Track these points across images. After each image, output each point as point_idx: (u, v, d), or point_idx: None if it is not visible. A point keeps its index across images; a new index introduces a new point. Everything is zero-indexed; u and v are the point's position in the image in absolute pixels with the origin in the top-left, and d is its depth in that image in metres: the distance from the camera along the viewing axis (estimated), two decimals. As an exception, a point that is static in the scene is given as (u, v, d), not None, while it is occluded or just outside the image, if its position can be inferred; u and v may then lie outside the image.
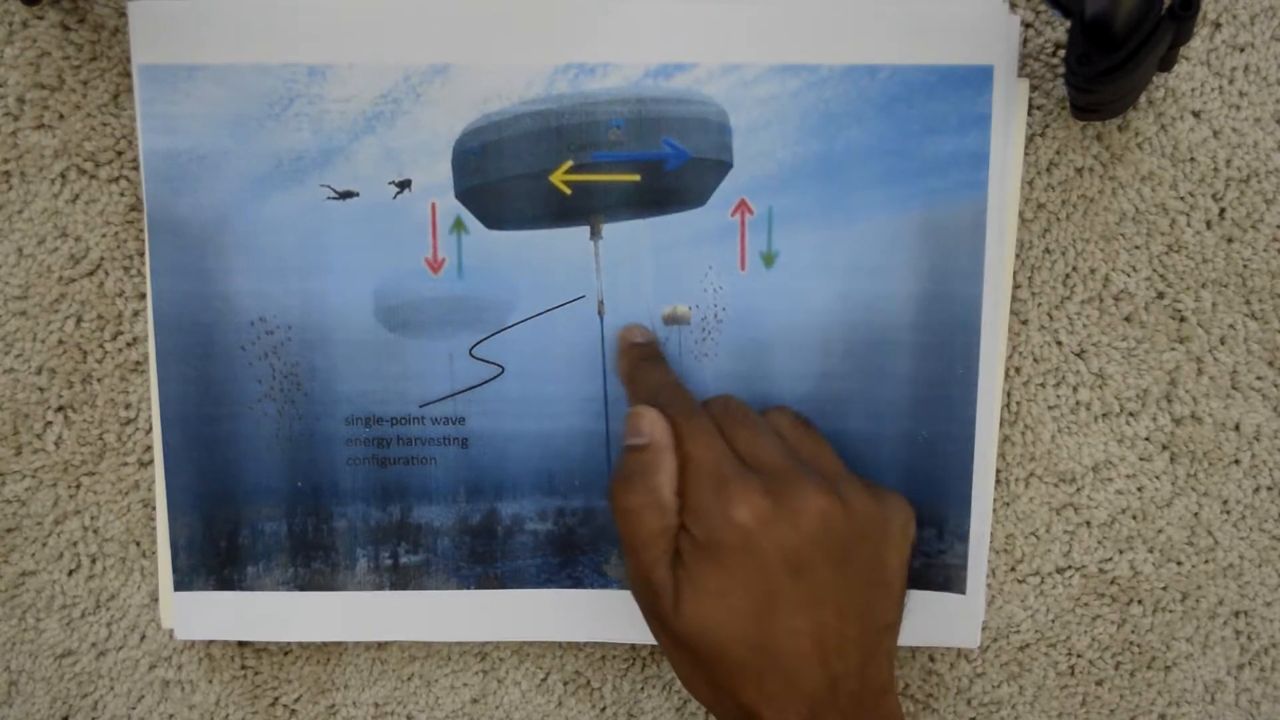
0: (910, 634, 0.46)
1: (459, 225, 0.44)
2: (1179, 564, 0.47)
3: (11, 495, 0.47)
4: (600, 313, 0.44)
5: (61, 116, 0.45)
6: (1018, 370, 0.46)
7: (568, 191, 0.44)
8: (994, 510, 0.46)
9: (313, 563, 0.45)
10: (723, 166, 0.44)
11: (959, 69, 0.43)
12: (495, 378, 0.45)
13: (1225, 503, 0.47)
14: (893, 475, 0.45)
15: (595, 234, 0.44)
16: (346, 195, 0.44)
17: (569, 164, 0.43)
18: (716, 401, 0.42)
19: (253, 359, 0.44)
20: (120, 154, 0.45)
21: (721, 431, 0.40)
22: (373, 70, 0.43)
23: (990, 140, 0.43)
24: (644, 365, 0.44)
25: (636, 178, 0.44)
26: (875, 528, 0.40)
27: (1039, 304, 0.46)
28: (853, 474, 0.41)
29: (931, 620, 0.46)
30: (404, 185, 0.44)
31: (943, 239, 0.44)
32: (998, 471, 0.46)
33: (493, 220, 0.44)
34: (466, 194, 0.44)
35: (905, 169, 0.43)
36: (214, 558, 0.45)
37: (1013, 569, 0.47)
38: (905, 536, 0.41)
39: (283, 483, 0.45)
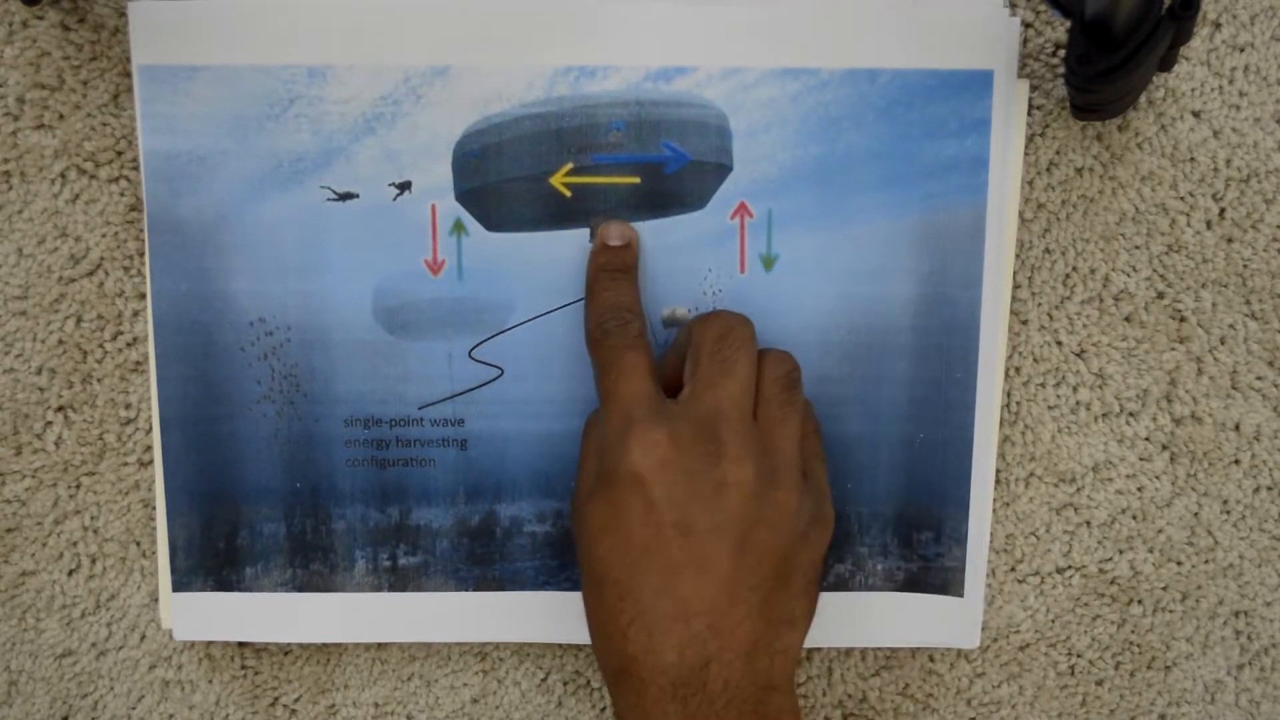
0: (910, 634, 0.46)
1: (459, 227, 0.44)
2: (1179, 564, 0.47)
3: (11, 495, 0.47)
4: None
5: (61, 116, 0.45)
6: (1018, 370, 0.46)
7: (567, 194, 0.44)
8: (994, 510, 0.47)
9: (311, 564, 0.45)
10: (722, 169, 0.44)
11: (959, 74, 0.43)
12: (494, 380, 0.45)
13: (1225, 503, 0.47)
14: (890, 478, 0.45)
15: (595, 236, 0.44)
16: (346, 196, 0.44)
17: (569, 166, 0.43)
18: (771, 358, 0.41)
19: (252, 359, 0.44)
20: (120, 154, 0.45)
21: (716, 373, 0.39)
22: (373, 72, 0.43)
23: (990, 144, 0.43)
24: (605, 278, 0.43)
25: (636, 180, 0.44)
26: (786, 520, 0.39)
27: (1039, 304, 0.46)
28: (814, 476, 0.41)
29: (931, 621, 0.46)
30: (404, 187, 0.44)
31: (942, 243, 0.44)
32: (998, 472, 0.46)
33: (493, 222, 0.44)
34: (466, 196, 0.44)
35: (905, 173, 0.43)
36: (213, 558, 0.45)
37: (1013, 569, 0.47)
38: (819, 540, 0.40)
39: (282, 484, 0.45)
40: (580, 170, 0.44)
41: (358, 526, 0.45)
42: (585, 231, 0.44)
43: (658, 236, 0.44)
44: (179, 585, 0.46)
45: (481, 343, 0.45)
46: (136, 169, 0.45)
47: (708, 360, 0.40)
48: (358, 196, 0.44)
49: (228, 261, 0.44)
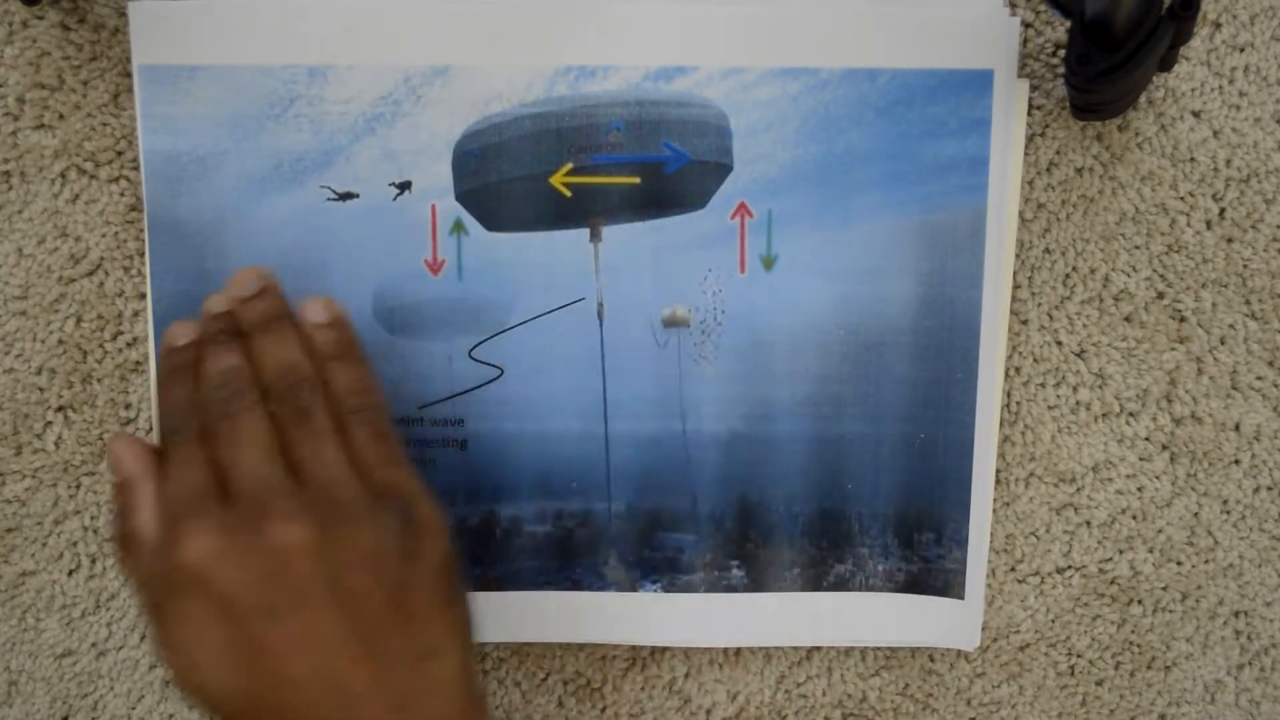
0: (910, 634, 0.46)
1: (459, 227, 0.44)
2: (1179, 564, 0.47)
3: (11, 495, 0.47)
4: (600, 315, 0.44)
5: (61, 116, 0.45)
6: (1018, 370, 0.46)
7: (568, 194, 0.44)
8: (994, 510, 0.46)
9: None
10: (722, 169, 0.44)
11: (959, 73, 0.43)
12: (494, 380, 0.45)
13: (1225, 503, 0.47)
14: (891, 479, 0.45)
15: (595, 236, 0.44)
16: (346, 196, 0.44)
17: (569, 166, 0.43)
18: (276, 390, 0.38)
19: None
20: (120, 154, 0.45)
21: (276, 429, 0.37)
22: (373, 72, 0.43)
23: (990, 144, 0.43)
24: (170, 378, 0.39)
25: (636, 180, 0.44)
26: (373, 555, 0.35)
27: (1039, 304, 0.46)
28: (391, 484, 0.37)
29: (931, 621, 0.46)
30: (404, 187, 0.44)
31: (942, 243, 0.44)
32: (998, 472, 0.46)
33: (493, 222, 0.44)
34: (466, 196, 0.44)
35: (905, 172, 0.43)
36: None
37: (1013, 569, 0.47)
38: (426, 548, 0.36)
39: None
40: (580, 170, 0.44)
41: None
42: (585, 231, 0.44)
43: (658, 236, 0.44)
44: None
45: (481, 342, 0.45)
46: (136, 169, 0.45)
47: (226, 440, 0.37)
48: (358, 196, 0.44)
49: (227, 261, 0.44)
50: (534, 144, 0.43)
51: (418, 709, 0.35)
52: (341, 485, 0.36)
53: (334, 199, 0.44)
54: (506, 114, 0.43)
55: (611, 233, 0.44)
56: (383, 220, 0.44)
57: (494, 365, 0.45)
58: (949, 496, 0.45)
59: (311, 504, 0.35)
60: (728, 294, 0.44)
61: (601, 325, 0.45)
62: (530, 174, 0.44)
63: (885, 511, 0.45)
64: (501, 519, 0.46)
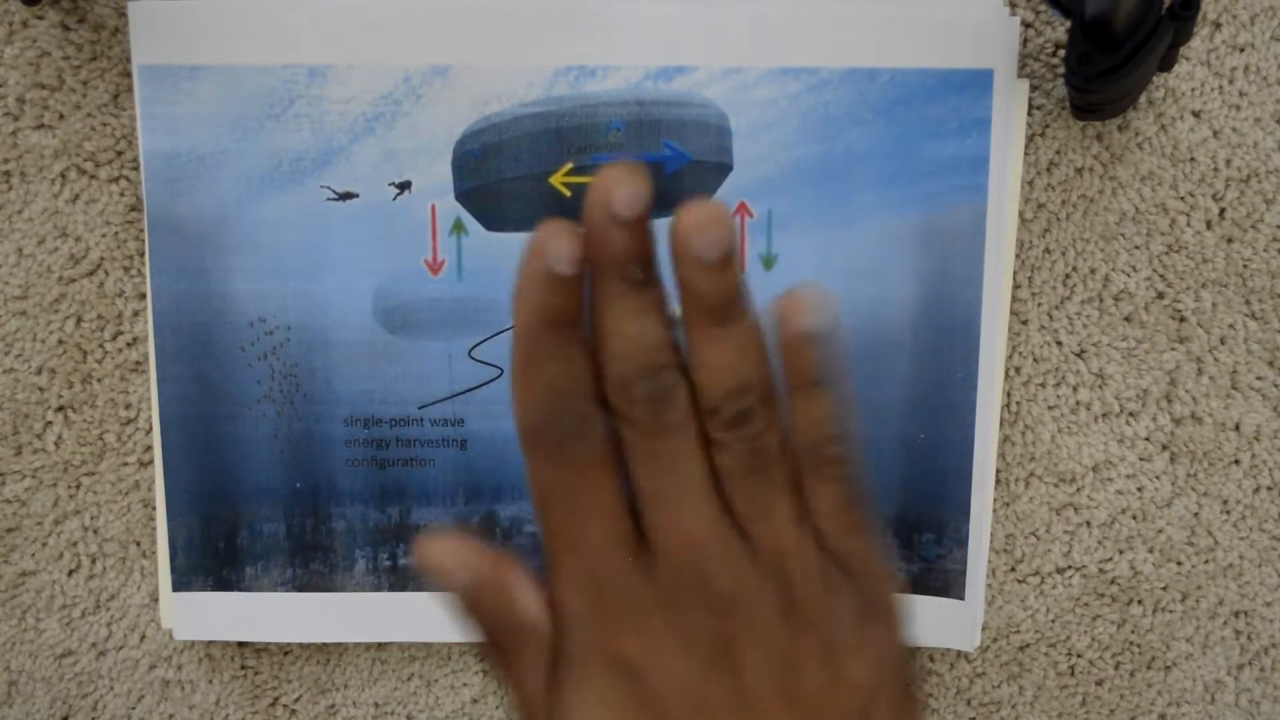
0: (910, 634, 0.46)
1: (459, 227, 0.44)
2: (1179, 564, 0.47)
3: (11, 495, 0.47)
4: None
5: (61, 116, 0.45)
6: (1018, 370, 0.46)
7: (568, 194, 0.44)
8: (994, 510, 0.46)
9: (311, 563, 0.45)
10: (722, 169, 0.44)
11: (959, 73, 0.43)
12: (494, 380, 0.45)
13: (1225, 503, 0.47)
14: (891, 479, 0.45)
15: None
16: (346, 196, 0.44)
17: (569, 166, 0.43)
18: (724, 414, 0.28)
19: (252, 360, 0.44)
20: (120, 154, 0.45)
21: (716, 480, 0.28)
22: (373, 71, 0.43)
23: (990, 143, 0.43)
24: (543, 338, 0.28)
25: None
26: (827, 649, 0.29)
27: (1039, 304, 0.46)
28: (850, 558, 0.29)
29: (931, 622, 0.46)
30: (404, 187, 0.44)
31: (942, 243, 0.44)
32: (998, 472, 0.46)
33: (493, 222, 0.44)
34: (466, 195, 0.44)
35: (905, 172, 0.43)
36: (212, 558, 0.45)
37: (1013, 569, 0.47)
38: (882, 637, 0.30)
39: (281, 484, 0.45)
40: (580, 170, 0.44)
41: (357, 526, 0.45)
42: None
43: (658, 236, 0.44)
44: (179, 585, 0.46)
45: (481, 342, 0.45)
46: (136, 169, 0.45)
47: (644, 467, 0.28)
48: (358, 196, 0.44)
49: (227, 261, 0.44)
50: (534, 144, 0.43)
51: None
52: (796, 556, 0.28)
53: (334, 199, 0.44)
54: (506, 114, 0.43)
55: None
56: (383, 220, 0.44)
57: (494, 365, 0.45)
58: (949, 497, 0.45)
59: (764, 579, 0.28)
60: None
61: None
62: (530, 174, 0.44)
63: (886, 512, 0.45)
64: (502, 519, 0.46)
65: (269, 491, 0.45)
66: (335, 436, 0.45)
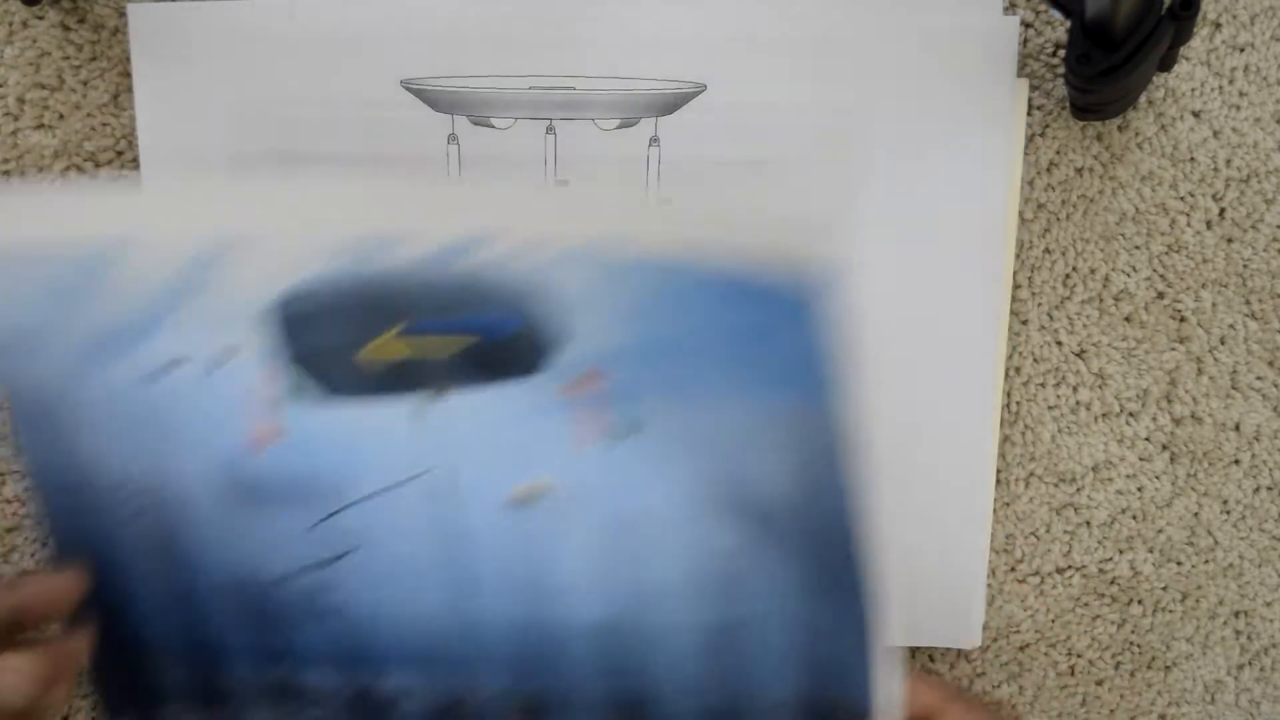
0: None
1: (290, 393, 0.40)
2: (1179, 564, 0.47)
3: (12, 495, 0.47)
4: (447, 488, 0.40)
5: (61, 116, 0.45)
6: (1018, 370, 0.46)
7: (397, 358, 0.39)
8: (994, 510, 0.47)
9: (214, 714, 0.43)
10: (558, 336, 0.38)
11: (771, 289, 0.36)
12: (350, 552, 0.41)
13: (1225, 503, 0.47)
14: (795, 661, 0.40)
15: (430, 402, 0.39)
16: (173, 365, 0.39)
17: (397, 329, 0.38)
18: None
19: (124, 521, 0.41)
20: (120, 154, 0.45)
21: None
22: (179, 239, 0.38)
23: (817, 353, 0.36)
24: None
25: (469, 343, 0.39)
26: None
27: (1039, 304, 0.46)
28: None
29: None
30: (230, 352, 0.39)
31: (814, 424, 0.37)
32: (998, 472, 0.46)
33: (325, 389, 0.39)
34: (294, 361, 0.39)
35: (753, 356, 0.37)
36: (121, 696, 0.43)
37: (1013, 569, 0.47)
38: None
39: (173, 641, 0.43)
40: (409, 333, 0.39)
41: (247, 686, 0.43)
42: (419, 396, 0.39)
43: (502, 404, 0.39)
44: (113, 712, 0.44)
45: (333, 515, 0.41)
46: (136, 169, 0.45)
47: None
48: (186, 363, 0.39)
49: (79, 428, 0.41)
50: (361, 307, 0.38)
51: None
52: None
53: (159, 370, 0.39)
54: (328, 276, 0.38)
55: (453, 400, 0.39)
56: (210, 389, 0.39)
57: (350, 536, 0.41)
58: (851, 681, 0.40)
59: None
60: (571, 467, 0.39)
61: (451, 499, 0.40)
62: (355, 339, 0.39)
63: (788, 699, 0.40)
64: (374, 692, 0.42)
65: (163, 649, 0.43)
66: (209, 601, 0.42)
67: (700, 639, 0.40)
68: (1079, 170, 0.45)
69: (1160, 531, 0.47)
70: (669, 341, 0.37)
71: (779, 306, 0.36)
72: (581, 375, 0.38)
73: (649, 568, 0.39)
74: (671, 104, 0.44)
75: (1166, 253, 0.46)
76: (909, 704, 0.37)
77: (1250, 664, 0.48)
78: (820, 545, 0.39)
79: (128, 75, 0.45)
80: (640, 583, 0.39)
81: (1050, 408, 0.46)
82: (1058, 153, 0.45)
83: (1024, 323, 0.46)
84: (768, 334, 0.36)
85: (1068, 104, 0.44)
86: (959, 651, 0.48)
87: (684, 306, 0.37)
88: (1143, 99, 0.45)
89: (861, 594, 0.39)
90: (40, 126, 0.45)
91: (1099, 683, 0.48)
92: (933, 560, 0.46)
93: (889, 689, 0.39)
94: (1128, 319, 0.46)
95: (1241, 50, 0.45)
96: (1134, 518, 0.47)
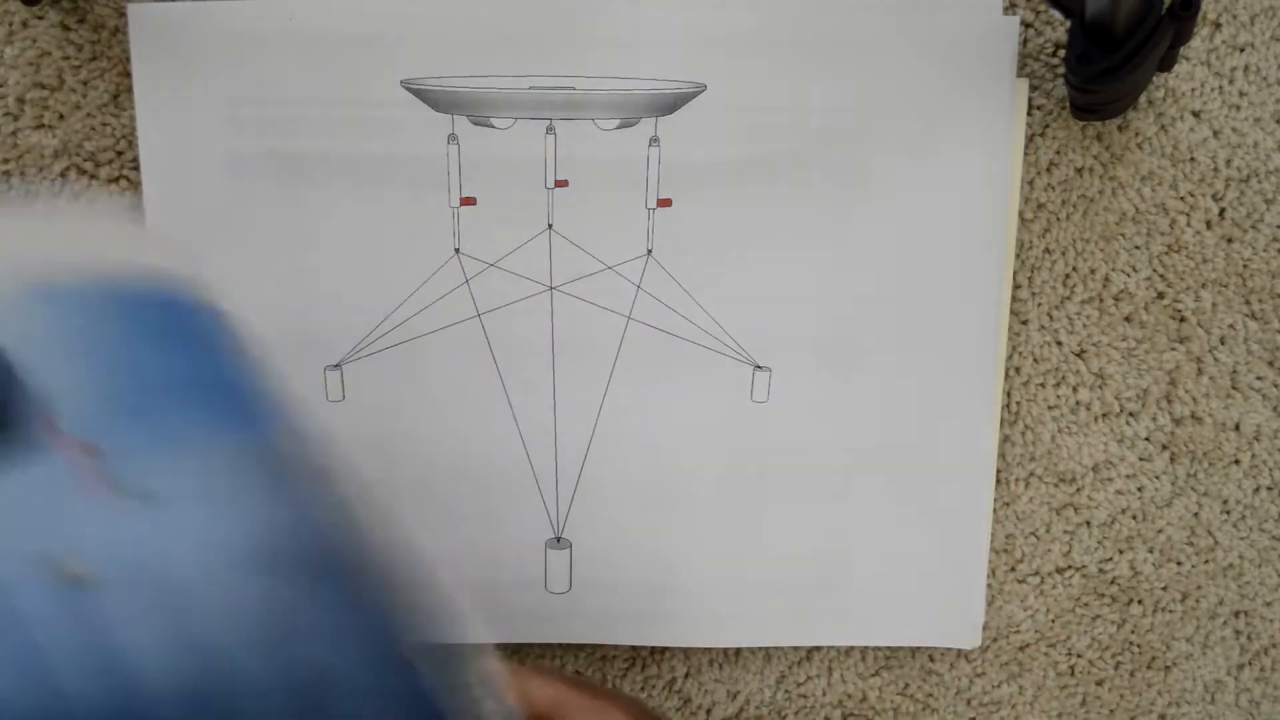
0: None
1: None
2: (1179, 564, 0.47)
3: (12, 495, 0.47)
4: None
5: (61, 116, 0.45)
6: (1018, 370, 0.46)
7: None
8: (994, 510, 0.47)
9: None
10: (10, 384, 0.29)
11: None
12: None
13: (1225, 503, 0.47)
14: (386, 703, 0.33)
15: None
16: None
17: None
18: None
19: None
20: (120, 154, 0.45)
21: None
22: None
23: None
24: None
25: None
26: None
27: (1039, 304, 0.46)
28: None
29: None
30: None
31: (269, 458, 0.32)
32: (998, 472, 0.46)
33: None
34: None
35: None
36: None
37: (1013, 569, 0.47)
38: None
39: None
40: None
41: None
42: None
43: None
44: None
45: None
46: (136, 169, 0.45)
47: None
48: None
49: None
50: None
51: None
52: None
53: None
54: None
55: None
56: None
57: None
58: (447, 697, 0.34)
59: None
60: (116, 539, 0.29)
61: None
62: None
63: None
64: None
65: None
66: None
67: (290, 701, 0.32)
68: (1079, 170, 0.45)
69: (1160, 531, 0.47)
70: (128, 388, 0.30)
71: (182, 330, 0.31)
72: (77, 445, 0.29)
73: (217, 635, 0.32)
74: (671, 104, 0.44)
75: (1166, 253, 0.46)
76: (526, 703, 0.36)
77: (1250, 664, 0.48)
78: (356, 578, 0.34)
79: (128, 75, 0.45)
80: (211, 650, 0.32)
81: (1050, 408, 0.46)
82: (1058, 153, 0.45)
83: (1024, 323, 0.46)
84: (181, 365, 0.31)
85: (1068, 104, 0.44)
86: (959, 651, 0.48)
87: (114, 344, 0.30)
88: (1143, 99, 0.45)
89: (409, 612, 0.35)
90: (40, 126, 0.45)
91: (1099, 683, 0.48)
92: (933, 560, 0.46)
93: (484, 695, 0.35)
94: (1128, 319, 0.46)
95: (1241, 50, 0.45)
96: (1134, 518, 0.47)
